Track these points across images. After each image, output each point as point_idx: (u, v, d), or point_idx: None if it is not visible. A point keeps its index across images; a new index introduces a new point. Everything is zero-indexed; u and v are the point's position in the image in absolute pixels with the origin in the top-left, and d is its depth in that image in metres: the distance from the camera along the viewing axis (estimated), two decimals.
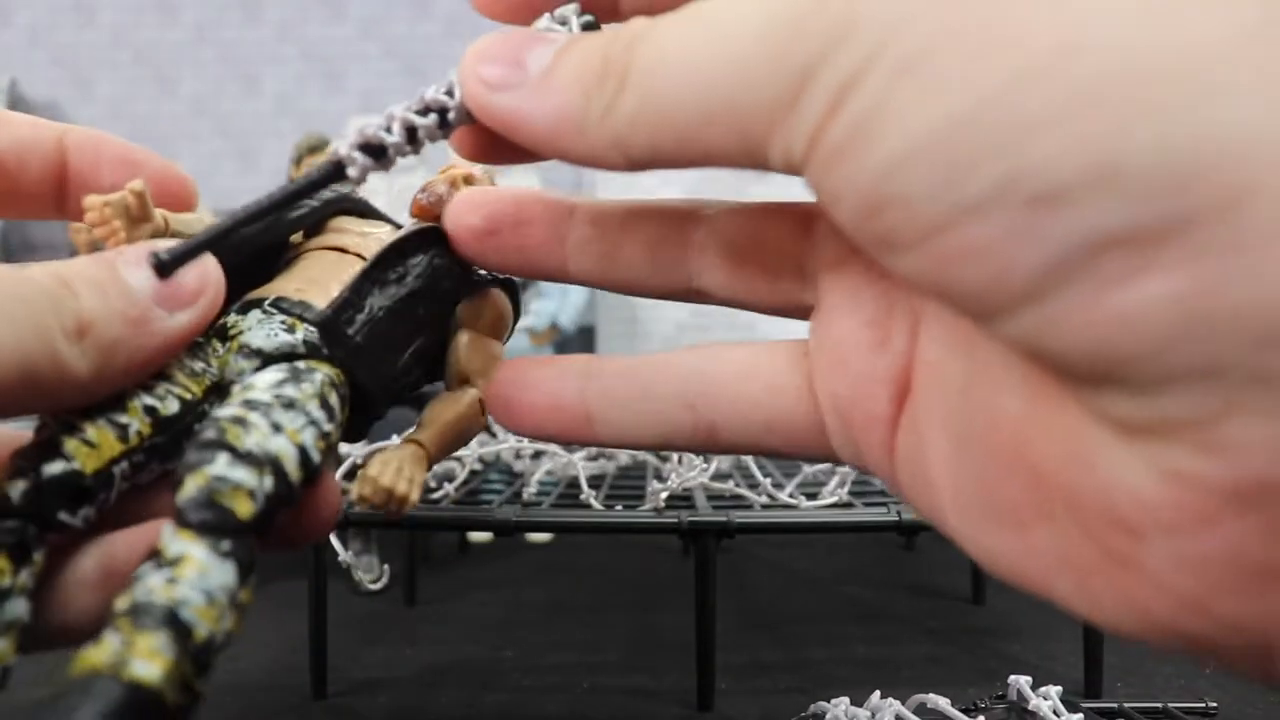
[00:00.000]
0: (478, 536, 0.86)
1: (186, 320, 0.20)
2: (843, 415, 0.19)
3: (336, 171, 0.21)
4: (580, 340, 1.23)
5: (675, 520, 0.48)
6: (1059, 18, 0.12)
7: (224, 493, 0.18)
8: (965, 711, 0.37)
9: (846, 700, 0.38)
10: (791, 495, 0.54)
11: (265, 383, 0.21)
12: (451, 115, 0.20)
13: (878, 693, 0.39)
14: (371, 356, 0.23)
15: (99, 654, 0.16)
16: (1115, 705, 0.41)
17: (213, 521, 0.18)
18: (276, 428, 0.19)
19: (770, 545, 0.85)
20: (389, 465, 0.22)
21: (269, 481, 0.19)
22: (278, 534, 0.20)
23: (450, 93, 0.20)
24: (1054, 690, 0.39)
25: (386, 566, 0.61)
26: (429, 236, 0.24)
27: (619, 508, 0.52)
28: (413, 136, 0.20)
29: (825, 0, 0.14)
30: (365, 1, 3.05)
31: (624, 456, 0.66)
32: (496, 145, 0.20)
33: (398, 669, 0.55)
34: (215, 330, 0.22)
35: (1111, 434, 0.13)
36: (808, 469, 0.59)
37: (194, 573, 0.17)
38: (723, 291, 0.22)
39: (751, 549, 0.83)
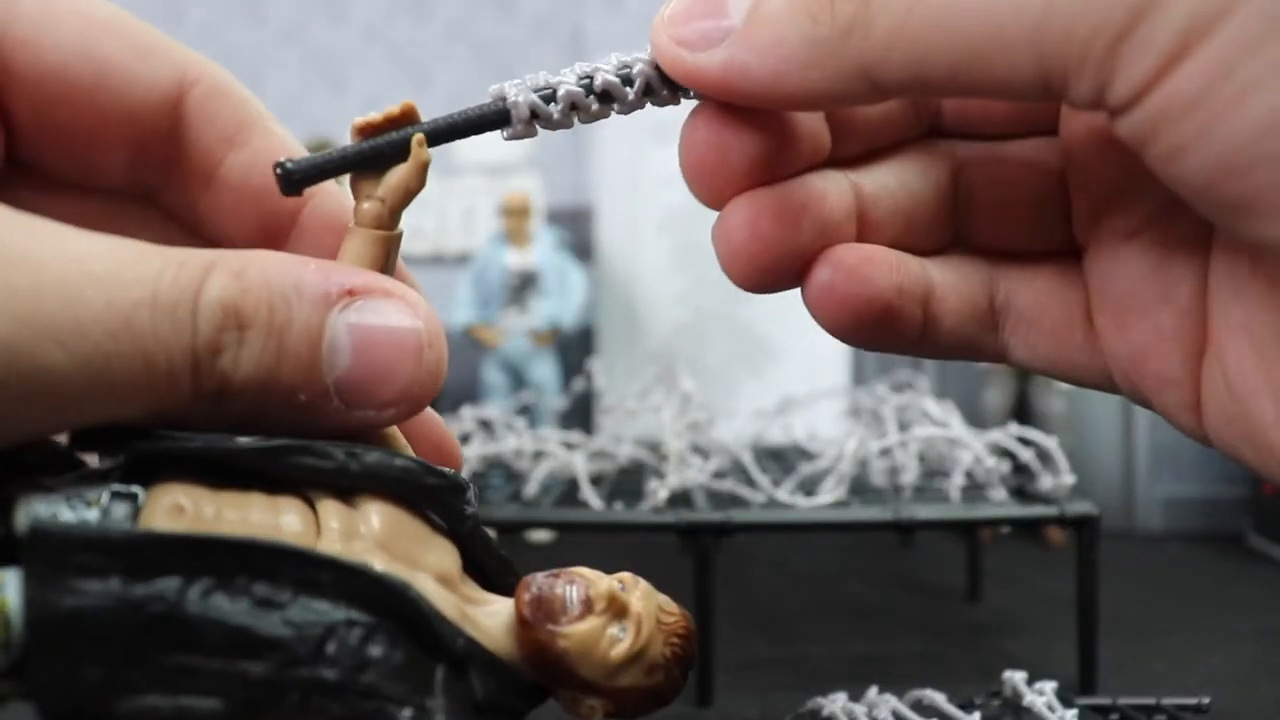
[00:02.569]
0: None
1: (359, 421, 0.16)
2: (1128, 375, 0.17)
3: (499, 119, 0.18)
4: (580, 340, 1.23)
5: (674, 519, 0.48)
6: None
7: None
8: (961, 707, 0.38)
9: (844, 696, 0.38)
10: (790, 494, 0.55)
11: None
12: (637, 84, 0.17)
13: (875, 688, 0.39)
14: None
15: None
16: (1109, 701, 0.42)
17: None
18: None
19: (768, 543, 0.85)
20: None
21: None
22: None
23: (634, 64, 0.18)
24: (1049, 686, 0.39)
25: None
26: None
27: (618, 506, 0.52)
28: (588, 99, 0.18)
29: None
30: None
31: (623, 456, 0.67)
32: (735, 117, 0.17)
33: None
34: None
35: None
36: (805, 468, 0.60)
37: None
38: (982, 238, 0.19)
39: (750, 547, 0.84)
